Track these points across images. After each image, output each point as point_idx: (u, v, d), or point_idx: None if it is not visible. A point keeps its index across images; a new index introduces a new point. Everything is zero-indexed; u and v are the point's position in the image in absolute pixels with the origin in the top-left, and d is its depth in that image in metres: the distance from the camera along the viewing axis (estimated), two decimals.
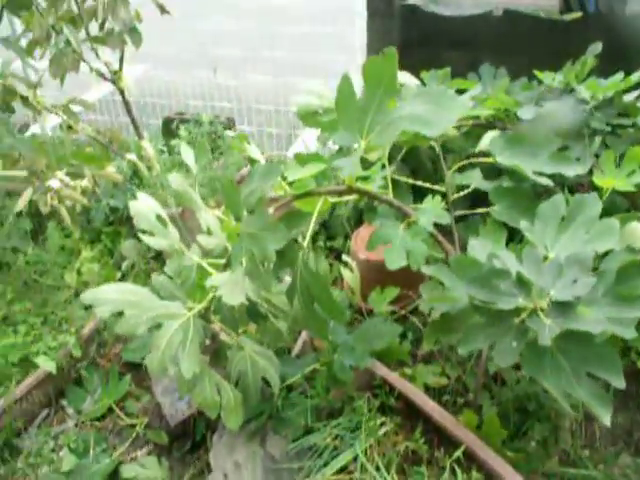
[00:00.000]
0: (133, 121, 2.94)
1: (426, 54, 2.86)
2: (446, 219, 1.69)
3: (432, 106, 1.38)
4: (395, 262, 1.60)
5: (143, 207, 1.79)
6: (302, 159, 1.66)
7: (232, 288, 1.58)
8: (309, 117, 2.41)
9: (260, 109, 3.99)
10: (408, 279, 2.04)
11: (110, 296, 1.66)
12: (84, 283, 2.70)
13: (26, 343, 2.24)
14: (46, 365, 2.16)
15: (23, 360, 2.21)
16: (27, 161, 2.46)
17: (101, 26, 2.56)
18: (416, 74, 2.99)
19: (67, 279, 2.72)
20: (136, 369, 2.47)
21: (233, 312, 1.82)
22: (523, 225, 1.49)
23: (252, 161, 1.73)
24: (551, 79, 2.20)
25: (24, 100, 2.48)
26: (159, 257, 2.80)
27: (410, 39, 2.83)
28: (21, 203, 2.30)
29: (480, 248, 1.49)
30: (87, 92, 4.60)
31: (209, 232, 1.81)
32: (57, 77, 2.53)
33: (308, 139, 4.37)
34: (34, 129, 4.01)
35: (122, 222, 2.90)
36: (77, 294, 2.66)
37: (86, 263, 2.79)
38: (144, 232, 1.76)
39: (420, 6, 2.72)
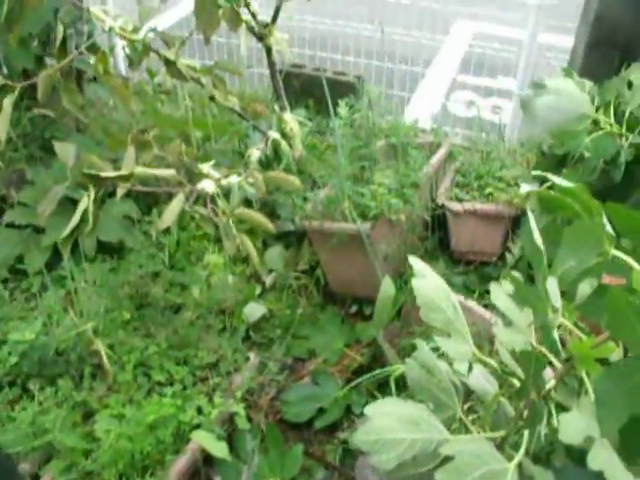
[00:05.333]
0: (277, 88, 2.27)
1: None
2: None
3: None
4: None
5: (433, 291, 1.20)
6: None
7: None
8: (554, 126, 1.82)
9: (387, 67, 3.27)
10: None
11: (392, 435, 1.14)
12: (217, 301, 2.11)
13: (176, 408, 1.68)
14: (215, 449, 1.60)
15: (173, 434, 1.66)
16: (174, 146, 1.83)
17: None
18: None
19: (193, 292, 2.13)
20: (297, 428, 1.93)
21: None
22: None
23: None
24: None
25: (169, 64, 1.81)
26: (314, 270, 2.20)
27: None
28: (167, 219, 1.68)
29: None
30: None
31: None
32: (206, 34, 1.85)
33: (420, 101, 3.70)
34: None
35: None
36: (208, 313, 2.09)
37: (216, 272, 2.19)
38: (438, 331, 1.19)
39: None
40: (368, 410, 1.18)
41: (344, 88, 2.96)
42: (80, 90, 2.50)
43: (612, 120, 1.89)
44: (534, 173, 1.36)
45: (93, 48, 2.06)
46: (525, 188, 1.29)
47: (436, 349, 1.37)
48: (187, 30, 2.07)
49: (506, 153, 2.38)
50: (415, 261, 1.27)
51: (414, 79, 3.50)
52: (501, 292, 1.29)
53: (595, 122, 1.90)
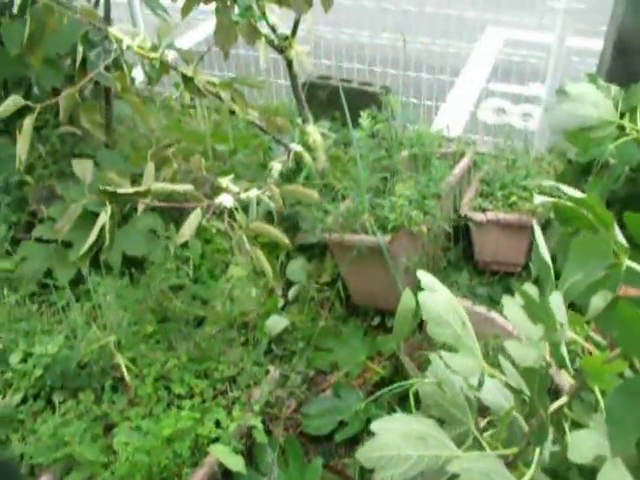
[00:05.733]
0: (299, 100, 2.28)
1: None
2: None
3: None
4: None
5: (441, 306, 1.18)
6: None
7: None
8: (574, 133, 1.76)
9: (412, 77, 3.24)
10: None
11: (397, 452, 1.12)
12: (240, 314, 2.12)
13: (194, 421, 1.68)
14: (232, 463, 1.60)
15: (191, 447, 1.66)
16: (194, 161, 1.85)
17: None
18: None
19: (216, 305, 2.14)
20: (318, 441, 1.92)
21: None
22: None
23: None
24: None
25: (186, 80, 1.83)
26: (336, 283, 2.19)
27: None
28: (185, 233, 1.69)
29: None
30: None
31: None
32: (224, 49, 1.87)
33: (449, 110, 3.66)
34: None
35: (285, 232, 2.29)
36: (230, 327, 2.09)
37: (239, 285, 2.20)
38: (442, 346, 1.17)
39: None
40: (374, 426, 1.17)
41: (370, 99, 2.95)
42: (108, 106, 2.56)
43: (638, 126, 1.83)
44: (546, 183, 1.32)
45: (117, 65, 2.10)
46: (538, 199, 1.25)
47: None
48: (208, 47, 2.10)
49: (532, 161, 2.34)
50: (423, 275, 1.26)
51: (442, 88, 3.47)
52: (514, 305, 1.26)
53: (621, 128, 1.85)
